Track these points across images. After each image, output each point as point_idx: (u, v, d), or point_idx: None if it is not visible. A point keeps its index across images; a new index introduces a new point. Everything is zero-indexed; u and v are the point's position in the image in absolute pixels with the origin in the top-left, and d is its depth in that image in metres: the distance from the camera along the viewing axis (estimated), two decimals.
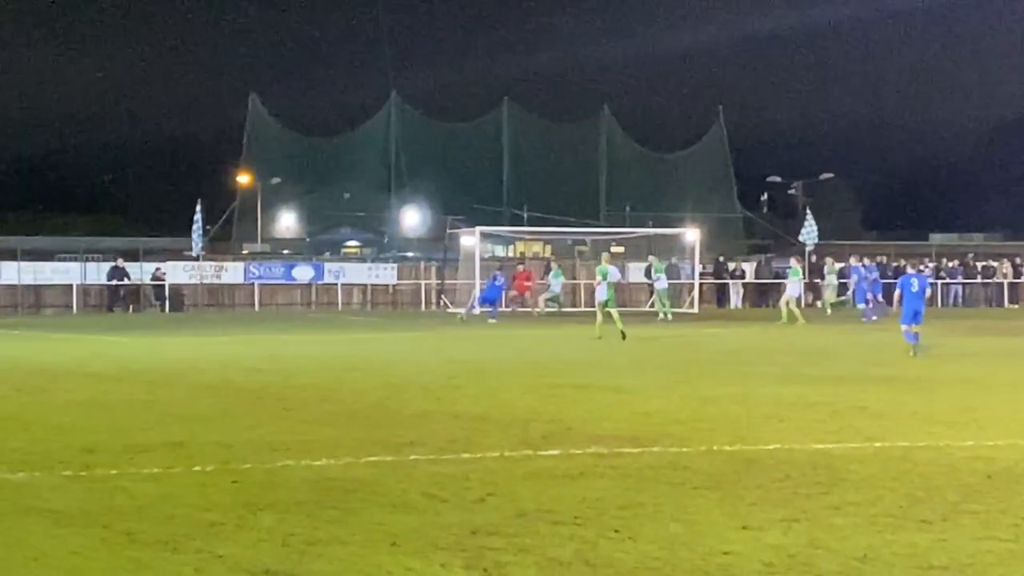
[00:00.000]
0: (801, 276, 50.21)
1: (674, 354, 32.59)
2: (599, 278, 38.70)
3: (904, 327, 31.01)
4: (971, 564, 9.42)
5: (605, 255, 41.47)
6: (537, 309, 54.61)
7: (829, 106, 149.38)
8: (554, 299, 55.36)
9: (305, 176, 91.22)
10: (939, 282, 67.61)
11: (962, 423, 17.27)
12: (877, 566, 9.39)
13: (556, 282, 54.88)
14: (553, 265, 58.46)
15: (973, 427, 16.80)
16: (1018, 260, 69.77)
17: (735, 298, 66.85)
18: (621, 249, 72.75)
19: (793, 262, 50.97)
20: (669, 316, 50.93)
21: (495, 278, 54.09)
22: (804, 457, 14.31)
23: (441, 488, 12.35)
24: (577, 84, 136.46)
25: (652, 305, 58.05)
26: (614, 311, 37.92)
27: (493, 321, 49.19)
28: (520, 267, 59.12)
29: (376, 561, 9.58)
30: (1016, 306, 66.01)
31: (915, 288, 31.15)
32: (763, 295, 66.58)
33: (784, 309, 47.40)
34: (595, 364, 28.84)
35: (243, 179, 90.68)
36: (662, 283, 53.38)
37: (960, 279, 68.61)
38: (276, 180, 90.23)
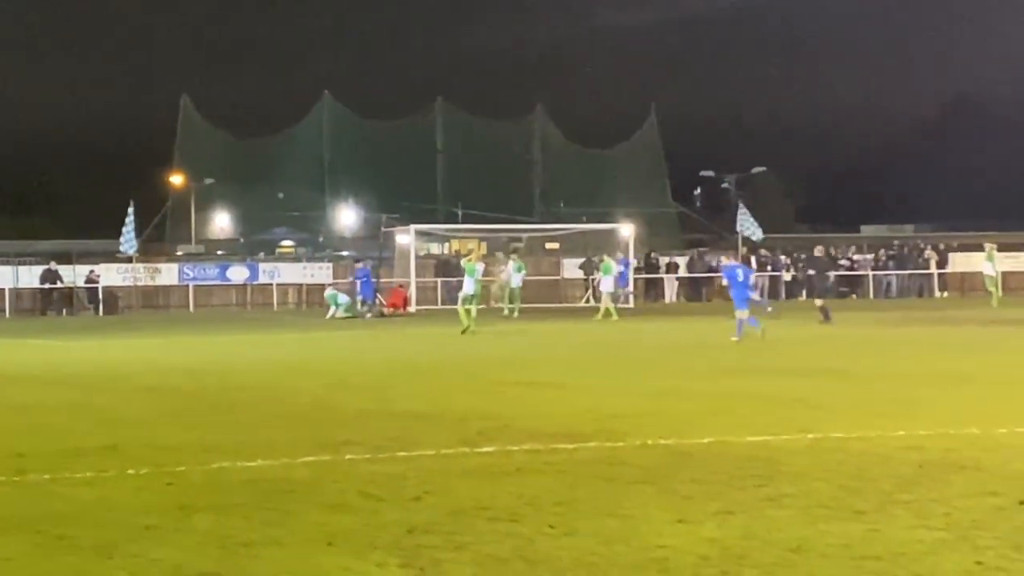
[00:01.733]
0: (615, 271, 50.46)
1: (612, 350, 32.67)
2: (466, 275, 40.00)
3: (743, 313, 33.07)
4: (904, 553, 9.51)
5: (474, 253, 42.37)
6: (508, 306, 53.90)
7: (762, 100, 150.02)
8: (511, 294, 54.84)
9: (238, 177, 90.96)
10: (871, 273, 68.11)
11: (894, 414, 17.40)
12: (811, 557, 9.46)
13: (516, 277, 54.38)
14: (514, 258, 57.72)
15: (905, 417, 16.92)
16: (942, 246, 70.30)
17: (669, 292, 67.02)
18: (556, 245, 72.91)
19: (607, 257, 51.45)
20: (515, 314, 50.86)
21: (361, 272, 54.33)
22: (739, 450, 14.40)
23: (378, 487, 12.35)
24: (510, 80, 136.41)
25: (587, 301, 58.16)
26: (473, 308, 38.97)
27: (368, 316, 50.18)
28: (399, 287, 58.33)
29: (313, 561, 9.57)
30: (946, 294, 66.53)
31: (741, 278, 33.48)
32: (697, 289, 66.77)
33: (603, 306, 47.96)
34: (533, 361, 28.89)
35: (176, 180, 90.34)
36: (516, 280, 53.13)
37: (894, 270, 68.95)
38: (209, 181, 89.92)
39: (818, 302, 41.69)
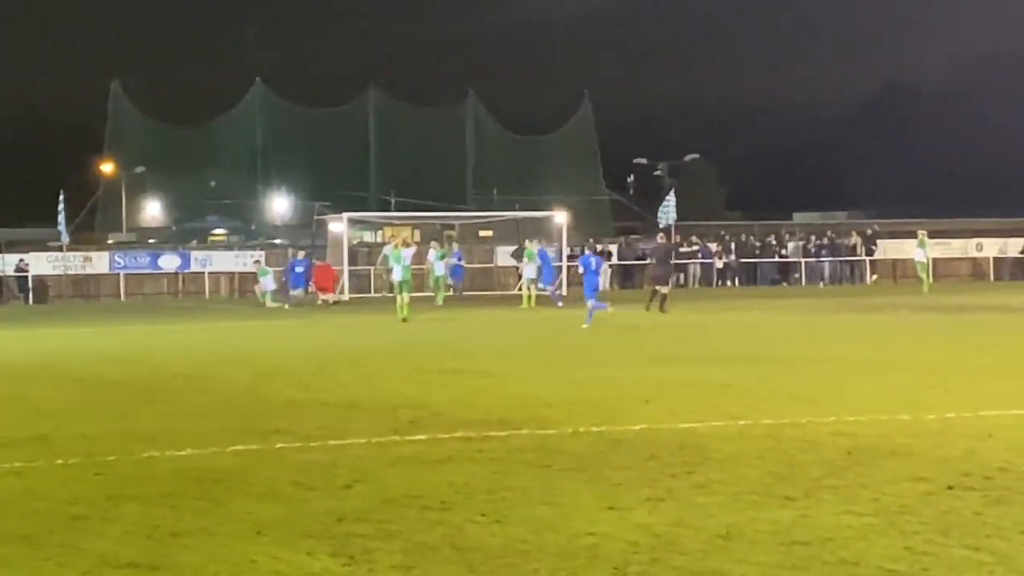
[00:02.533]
0: (536, 258, 50.62)
1: (545, 337, 32.68)
2: (392, 263, 40.79)
3: (591, 303, 34.65)
4: (832, 539, 9.58)
5: (400, 239, 42.73)
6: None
7: (695, 87, 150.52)
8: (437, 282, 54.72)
9: (170, 164, 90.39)
10: (803, 260, 68.39)
11: (825, 400, 17.50)
12: (740, 543, 9.51)
13: (439, 264, 54.21)
14: (434, 245, 57.46)
15: (835, 404, 17.02)
16: (869, 232, 70.56)
17: (602, 279, 66.97)
18: (490, 232, 72.88)
19: (527, 243, 51.63)
20: (438, 301, 50.74)
21: (294, 265, 54.07)
22: (670, 437, 14.44)
23: (308, 476, 12.32)
24: (442, 67, 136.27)
25: (520, 288, 58.15)
26: (405, 295, 39.25)
27: (286, 307, 49.89)
28: (319, 262, 58.02)
29: (242, 551, 9.54)
30: (875, 279, 66.73)
31: (594, 266, 35.64)
32: (629, 276, 66.89)
33: (525, 292, 48.29)
34: (466, 349, 28.86)
35: (106, 168, 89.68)
36: (439, 268, 53.13)
37: (826, 257, 69.15)
38: (140, 169, 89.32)
39: (662, 289, 41.46)
